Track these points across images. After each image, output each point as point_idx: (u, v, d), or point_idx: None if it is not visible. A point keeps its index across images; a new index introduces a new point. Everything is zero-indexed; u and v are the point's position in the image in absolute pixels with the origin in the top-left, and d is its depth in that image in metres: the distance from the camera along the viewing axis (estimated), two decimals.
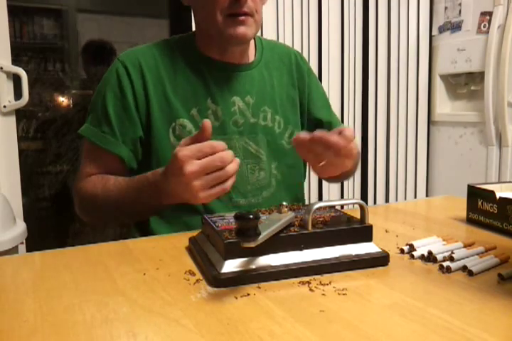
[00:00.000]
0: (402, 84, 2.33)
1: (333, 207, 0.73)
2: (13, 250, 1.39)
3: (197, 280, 0.58)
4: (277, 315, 0.49)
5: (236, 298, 0.53)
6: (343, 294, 0.54)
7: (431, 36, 2.34)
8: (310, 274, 0.59)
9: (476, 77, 2.20)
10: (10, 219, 1.46)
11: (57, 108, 2.85)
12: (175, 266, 0.64)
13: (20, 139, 1.72)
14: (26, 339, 0.45)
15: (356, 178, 2.29)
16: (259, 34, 1.01)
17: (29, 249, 1.57)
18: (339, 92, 2.20)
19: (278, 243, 0.59)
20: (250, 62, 0.99)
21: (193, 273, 0.61)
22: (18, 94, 1.64)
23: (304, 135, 0.73)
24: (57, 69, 3.27)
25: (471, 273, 0.59)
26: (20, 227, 1.48)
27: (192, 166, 0.69)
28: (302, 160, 1.07)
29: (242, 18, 0.86)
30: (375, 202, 2.35)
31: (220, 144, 0.71)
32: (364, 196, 2.29)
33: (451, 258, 0.62)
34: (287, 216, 0.63)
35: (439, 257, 0.63)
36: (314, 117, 1.07)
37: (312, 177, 2.16)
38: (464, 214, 0.87)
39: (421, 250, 0.66)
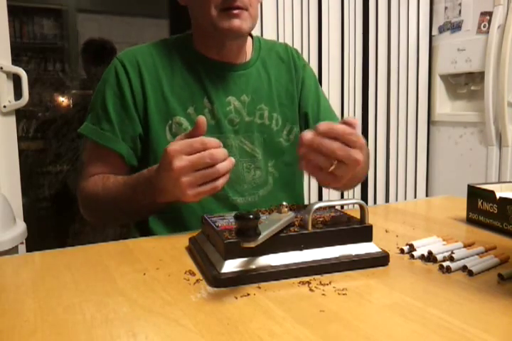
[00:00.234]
0: (402, 84, 2.32)
1: (333, 207, 0.73)
2: (13, 250, 1.39)
3: (197, 280, 0.58)
4: (277, 315, 0.49)
5: (236, 298, 0.53)
6: (343, 294, 0.54)
7: (431, 36, 2.34)
8: (310, 274, 0.59)
9: (476, 77, 2.20)
10: (10, 219, 1.46)
11: (57, 108, 2.85)
12: (175, 266, 0.64)
13: (20, 139, 1.72)
14: (26, 339, 0.45)
15: None
16: (259, 34, 1.02)
17: (29, 249, 1.56)
18: (339, 92, 2.20)
19: (278, 243, 0.59)
20: (247, 60, 1.00)
21: (193, 273, 0.61)
22: (18, 94, 1.64)
23: (307, 135, 0.66)
24: (57, 69, 3.28)
25: (471, 273, 0.59)
26: (20, 227, 1.48)
27: (181, 161, 0.69)
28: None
29: (236, 11, 0.86)
30: (375, 202, 2.35)
31: (212, 141, 0.70)
32: (364, 196, 2.29)
33: (451, 258, 0.62)
34: (287, 216, 0.63)
35: (439, 257, 0.63)
36: (304, 112, 1.05)
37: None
38: (463, 214, 0.87)
39: (421, 250, 0.66)
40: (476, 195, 0.84)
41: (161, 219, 0.93)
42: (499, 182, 1.76)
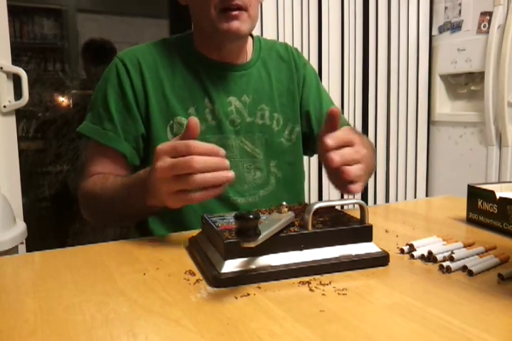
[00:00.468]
0: (402, 84, 2.33)
1: (333, 207, 0.73)
2: (13, 250, 1.39)
3: (197, 281, 0.58)
4: (277, 315, 0.49)
5: (236, 298, 0.53)
6: (343, 294, 0.54)
7: (431, 36, 2.34)
8: (310, 274, 0.59)
9: (476, 77, 2.20)
10: (10, 219, 1.46)
11: (57, 108, 2.85)
12: (175, 266, 0.63)
13: (20, 139, 1.72)
14: (26, 339, 0.45)
15: None
16: (259, 34, 1.02)
17: (29, 249, 1.56)
18: (339, 92, 2.20)
19: (278, 243, 0.59)
20: (247, 61, 0.99)
21: (193, 273, 0.61)
22: (18, 94, 1.64)
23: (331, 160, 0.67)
24: (57, 69, 3.28)
25: (471, 273, 0.59)
26: (20, 227, 1.48)
27: (163, 163, 0.65)
28: (302, 159, 1.07)
29: (235, 12, 0.86)
30: (375, 202, 2.35)
31: (200, 146, 0.63)
32: (364, 196, 2.29)
33: (451, 258, 0.62)
34: (287, 216, 0.63)
35: (439, 257, 0.63)
36: (305, 110, 1.05)
37: (312, 177, 2.16)
38: (464, 214, 0.87)
39: (421, 250, 0.66)
40: (476, 195, 0.84)
41: (161, 219, 0.93)
42: (499, 182, 1.76)
